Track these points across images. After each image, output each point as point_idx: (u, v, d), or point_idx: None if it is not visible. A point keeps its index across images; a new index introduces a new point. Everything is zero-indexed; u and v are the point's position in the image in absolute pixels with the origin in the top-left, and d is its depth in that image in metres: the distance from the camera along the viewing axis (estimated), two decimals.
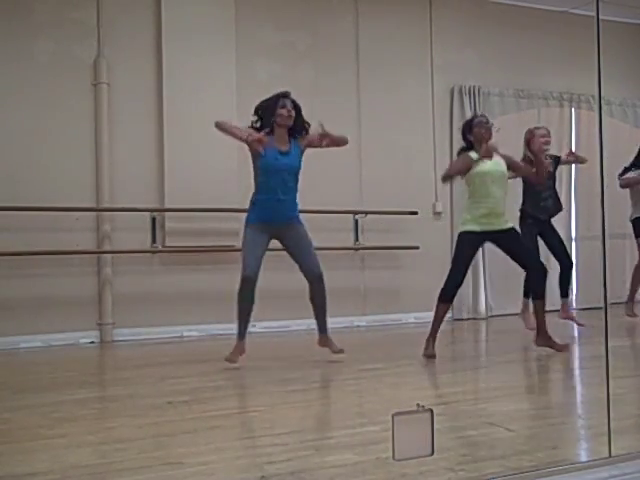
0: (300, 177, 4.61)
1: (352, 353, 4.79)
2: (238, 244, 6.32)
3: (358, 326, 6.56)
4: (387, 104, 6.87)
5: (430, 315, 7.09)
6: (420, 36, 7.19)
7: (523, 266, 4.88)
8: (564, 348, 4.85)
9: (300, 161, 4.54)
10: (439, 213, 7.26)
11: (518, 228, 5.48)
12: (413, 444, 2.01)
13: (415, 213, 6.84)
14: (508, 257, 4.99)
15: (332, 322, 6.48)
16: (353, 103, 6.82)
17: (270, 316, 6.30)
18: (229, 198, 6.20)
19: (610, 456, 2.29)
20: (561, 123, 7.86)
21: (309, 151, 4.62)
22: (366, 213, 6.66)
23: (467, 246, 4.78)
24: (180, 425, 2.99)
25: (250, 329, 6.32)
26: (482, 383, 4.16)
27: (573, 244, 7.85)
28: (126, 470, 2.36)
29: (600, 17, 2.45)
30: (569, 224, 7.85)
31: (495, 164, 4.81)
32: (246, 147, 4.52)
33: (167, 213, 6.13)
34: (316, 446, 2.63)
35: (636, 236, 6.54)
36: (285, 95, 4.59)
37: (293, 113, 4.53)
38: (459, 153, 4.94)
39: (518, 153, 7.60)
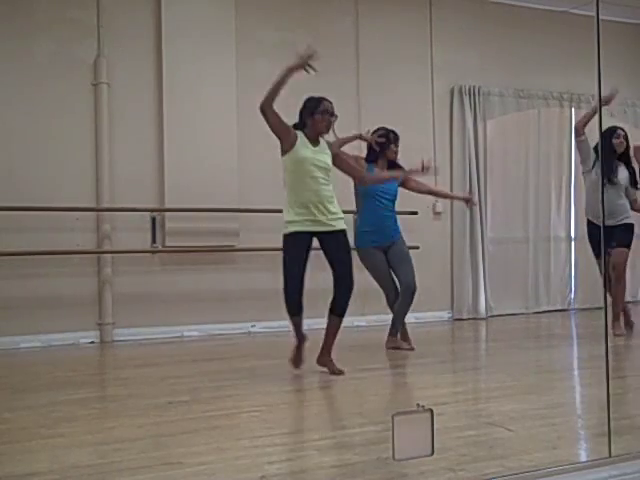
0: None
1: (352, 353, 4.79)
2: (238, 244, 6.35)
3: (358, 326, 6.56)
4: (387, 104, 6.85)
5: (430, 315, 7.15)
6: (420, 36, 7.19)
7: (335, 278, 4.25)
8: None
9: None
10: (439, 213, 7.25)
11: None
12: (413, 444, 2.01)
13: (415, 213, 6.83)
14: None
15: None
16: (353, 103, 6.82)
17: (270, 316, 6.30)
18: (229, 198, 6.21)
19: (610, 456, 2.29)
20: (561, 123, 7.86)
21: None
22: None
23: (295, 248, 4.13)
24: (180, 425, 2.99)
25: (250, 329, 6.37)
26: (482, 383, 4.16)
27: (573, 244, 7.85)
28: (126, 470, 2.36)
29: (600, 17, 2.46)
30: (569, 224, 7.85)
31: (320, 155, 4.15)
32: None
33: (167, 213, 6.13)
34: (316, 446, 2.63)
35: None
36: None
37: None
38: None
39: (519, 153, 7.64)
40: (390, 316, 5.20)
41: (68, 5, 5.94)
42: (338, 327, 4.24)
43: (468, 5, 7.39)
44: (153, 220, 6.09)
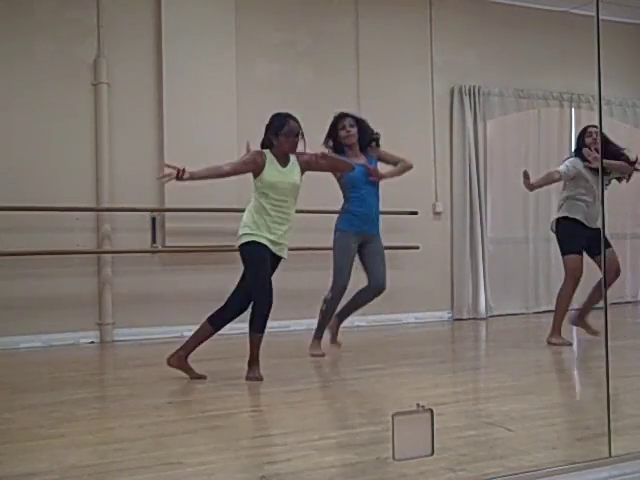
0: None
1: (352, 353, 4.79)
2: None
3: (358, 326, 6.56)
4: (387, 104, 6.86)
5: (430, 315, 7.15)
6: (420, 36, 7.19)
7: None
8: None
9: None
10: (439, 213, 7.25)
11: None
12: (413, 444, 2.01)
13: (415, 213, 6.84)
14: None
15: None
16: (353, 103, 6.81)
17: (270, 316, 6.30)
18: (229, 198, 6.20)
19: (610, 456, 2.29)
20: (561, 123, 7.86)
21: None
22: None
23: (263, 258, 4.13)
24: (180, 425, 2.99)
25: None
26: (482, 383, 4.16)
27: None
28: (126, 470, 2.36)
29: (600, 17, 2.46)
30: None
31: (289, 177, 4.15)
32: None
33: (167, 213, 6.13)
34: (316, 446, 2.63)
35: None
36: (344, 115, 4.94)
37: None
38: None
39: (519, 153, 7.63)
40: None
41: (68, 5, 5.93)
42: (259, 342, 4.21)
43: (468, 5, 7.38)
44: (153, 220, 6.08)
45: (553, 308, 7.63)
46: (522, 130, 7.67)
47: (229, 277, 6.38)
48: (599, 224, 5.27)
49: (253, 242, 4.08)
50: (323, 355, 4.83)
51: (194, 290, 6.17)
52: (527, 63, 7.60)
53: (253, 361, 4.12)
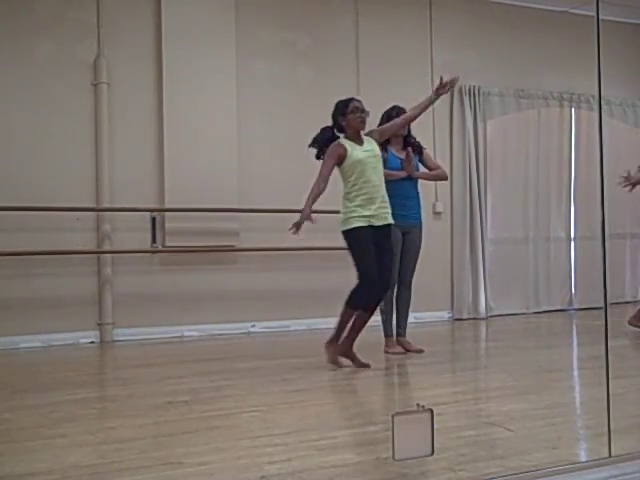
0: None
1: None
2: (238, 244, 6.35)
3: None
4: (387, 104, 6.84)
5: (430, 315, 7.15)
6: (420, 36, 7.19)
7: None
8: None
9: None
10: (439, 213, 7.25)
11: None
12: (413, 444, 2.01)
13: None
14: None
15: (332, 322, 6.49)
16: None
17: (270, 316, 6.31)
18: (229, 198, 6.21)
19: (610, 456, 2.29)
20: (561, 123, 7.86)
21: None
22: None
23: (366, 241, 4.29)
24: (180, 425, 2.99)
25: (250, 329, 6.37)
26: (482, 383, 4.16)
27: (573, 244, 7.85)
28: (126, 470, 2.36)
29: (600, 17, 2.46)
30: (569, 224, 7.85)
31: (370, 151, 4.37)
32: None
33: (167, 213, 6.14)
34: (316, 446, 2.63)
35: None
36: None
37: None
38: (322, 136, 4.41)
39: (519, 153, 7.64)
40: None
41: (68, 5, 5.94)
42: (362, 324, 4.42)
43: (468, 5, 7.39)
44: (153, 220, 6.09)
45: (553, 308, 7.70)
46: (522, 130, 7.67)
47: (229, 277, 6.43)
48: None
49: (360, 228, 4.26)
50: (404, 352, 4.86)
51: (194, 290, 6.18)
52: (527, 63, 7.60)
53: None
